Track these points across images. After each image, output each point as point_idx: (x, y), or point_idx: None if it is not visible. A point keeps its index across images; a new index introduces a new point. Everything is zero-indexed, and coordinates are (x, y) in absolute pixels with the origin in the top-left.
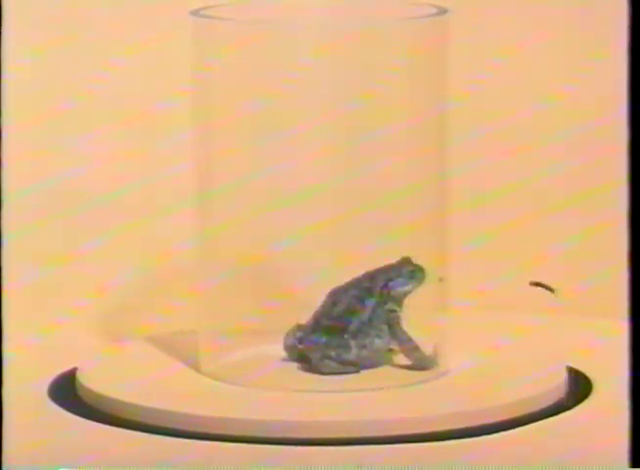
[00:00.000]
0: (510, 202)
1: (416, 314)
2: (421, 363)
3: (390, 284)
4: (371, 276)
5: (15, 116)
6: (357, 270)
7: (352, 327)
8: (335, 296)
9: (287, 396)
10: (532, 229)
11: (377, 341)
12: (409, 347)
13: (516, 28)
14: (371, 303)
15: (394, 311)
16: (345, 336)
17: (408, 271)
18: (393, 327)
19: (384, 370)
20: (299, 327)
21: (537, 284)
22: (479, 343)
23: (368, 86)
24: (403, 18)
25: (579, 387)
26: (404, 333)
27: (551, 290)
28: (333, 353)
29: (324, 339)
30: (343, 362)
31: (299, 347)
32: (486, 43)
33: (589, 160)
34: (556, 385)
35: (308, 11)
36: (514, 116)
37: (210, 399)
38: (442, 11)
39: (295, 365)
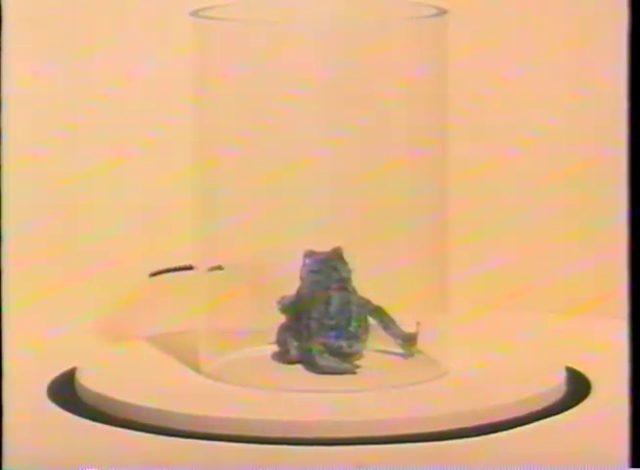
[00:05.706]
0: (510, 201)
1: (416, 314)
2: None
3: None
4: (333, 268)
5: (15, 117)
6: (357, 271)
7: (359, 310)
8: (316, 298)
9: (287, 396)
10: (532, 229)
11: (370, 320)
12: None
13: (516, 29)
14: (350, 289)
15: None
16: (353, 324)
17: (343, 257)
18: (375, 310)
19: (384, 370)
20: (287, 336)
21: (159, 273)
22: (479, 343)
23: (368, 86)
24: (403, 18)
25: (579, 387)
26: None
27: (186, 268)
28: (344, 344)
29: (333, 333)
30: (351, 354)
31: (314, 353)
32: (486, 44)
33: (589, 159)
34: (556, 385)
35: (308, 11)
36: (514, 116)
37: (210, 399)
38: (442, 11)
39: (294, 366)
